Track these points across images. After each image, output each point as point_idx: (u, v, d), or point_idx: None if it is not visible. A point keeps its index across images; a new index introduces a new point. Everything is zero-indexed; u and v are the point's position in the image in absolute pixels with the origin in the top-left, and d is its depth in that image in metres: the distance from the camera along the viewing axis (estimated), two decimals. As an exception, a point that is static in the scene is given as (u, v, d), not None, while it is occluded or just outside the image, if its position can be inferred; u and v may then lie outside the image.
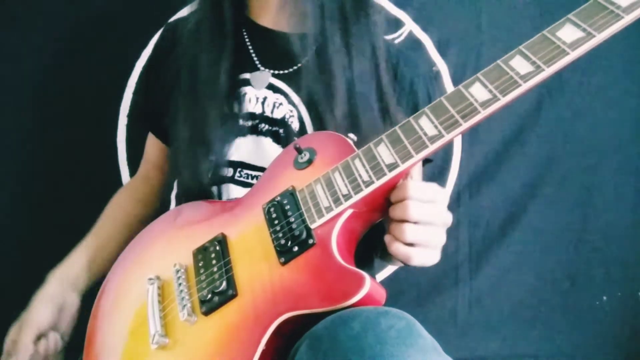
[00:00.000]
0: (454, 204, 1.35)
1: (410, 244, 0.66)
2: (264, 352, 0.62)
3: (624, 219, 1.34)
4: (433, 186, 0.68)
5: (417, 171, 0.98)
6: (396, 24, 1.29)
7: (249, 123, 0.89)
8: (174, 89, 0.93)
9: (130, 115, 1.08)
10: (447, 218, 0.68)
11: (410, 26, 1.30)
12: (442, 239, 0.68)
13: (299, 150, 0.76)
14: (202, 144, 0.87)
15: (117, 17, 1.23)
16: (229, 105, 0.89)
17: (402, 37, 1.30)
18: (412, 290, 1.37)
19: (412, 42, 1.30)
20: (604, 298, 1.36)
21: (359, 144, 0.76)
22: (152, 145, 1.08)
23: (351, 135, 0.82)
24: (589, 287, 1.36)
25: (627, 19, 0.59)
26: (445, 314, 1.37)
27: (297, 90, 0.89)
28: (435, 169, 1.34)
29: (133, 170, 1.27)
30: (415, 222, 0.65)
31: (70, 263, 0.90)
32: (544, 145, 1.33)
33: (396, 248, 0.66)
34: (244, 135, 0.89)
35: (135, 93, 1.06)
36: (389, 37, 1.30)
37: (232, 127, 0.88)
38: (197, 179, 0.87)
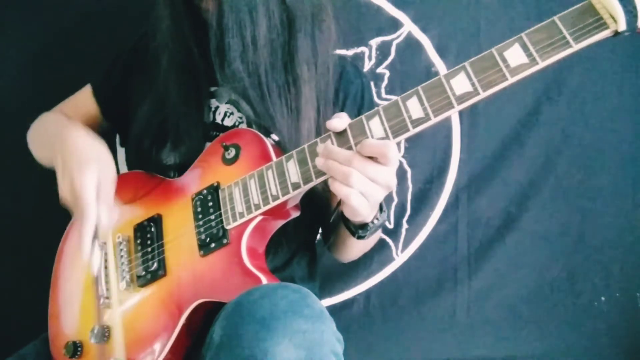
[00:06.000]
0: (453, 205, 1.35)
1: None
2: (185, 325, 0.77)
3: (623, 221, 1.35)
4: (389, 145, 0.67)
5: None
6: (395, 25, 1.30)
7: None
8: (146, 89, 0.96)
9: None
10: (392, 182, 0.70)
11: (409, 27, 1.30)
12: (380, 196, 0.71)
13: (225, 147, 0.84)
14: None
15: (116, 18, 1.24)
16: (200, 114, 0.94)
17: (400, 38, 1.30)
18: (410, 290, 1.37)
19: (411, 43, 1.30)
20: (602, 299, 1.36)
21: (280, 143, 0.83)
22: (89, 102, 1.06)
23: (273, 136, 0.86)
24: (588, 288, 1.36)
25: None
26: (444, 315, 1.37)
27: (244, 99, 0.92)
28: (434, 170, 1.34)
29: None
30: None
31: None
32: (542, 147, 1.33)
33: (338, 187, 0.69)
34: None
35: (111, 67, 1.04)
36: (387, 37, 1.30)
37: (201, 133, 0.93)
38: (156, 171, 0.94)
